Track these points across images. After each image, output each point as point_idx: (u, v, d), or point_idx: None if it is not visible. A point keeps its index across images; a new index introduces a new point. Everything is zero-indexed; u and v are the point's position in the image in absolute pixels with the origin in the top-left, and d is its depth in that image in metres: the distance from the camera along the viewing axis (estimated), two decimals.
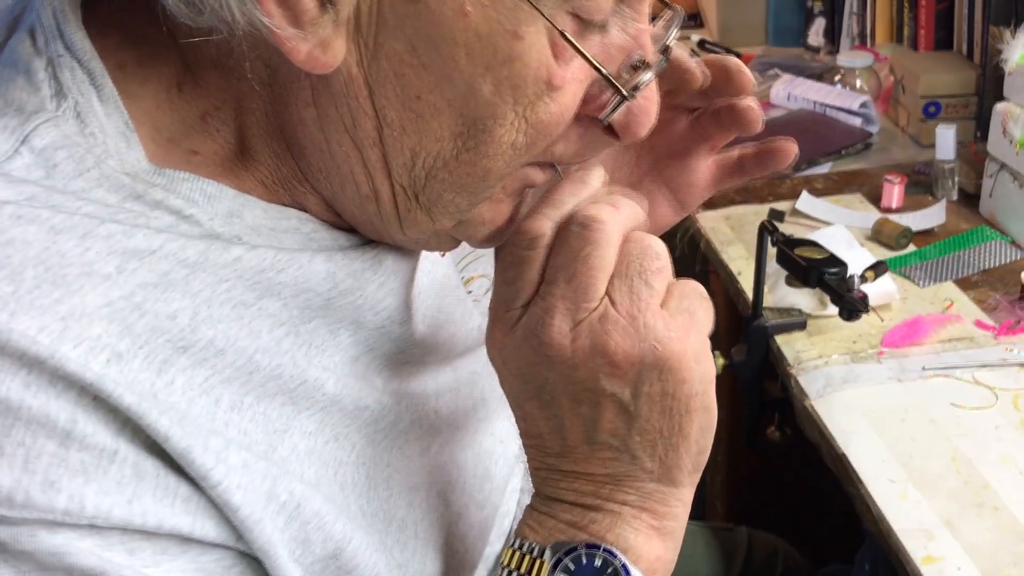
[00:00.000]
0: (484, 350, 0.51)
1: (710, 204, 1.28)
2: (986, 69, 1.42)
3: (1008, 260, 1.10)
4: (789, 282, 0.99)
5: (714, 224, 1.24)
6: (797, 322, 1.00)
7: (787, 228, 1.14)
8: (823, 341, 0.99)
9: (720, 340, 1.25)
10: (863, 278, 0.82)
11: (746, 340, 1.02)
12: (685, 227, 1.29)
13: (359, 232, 0.51)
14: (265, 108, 0.46)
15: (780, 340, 1.00)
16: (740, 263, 1.15)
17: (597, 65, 0.44)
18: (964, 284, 1.06)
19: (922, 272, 1.08)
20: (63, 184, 0.43)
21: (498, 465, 0.62)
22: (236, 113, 0.46)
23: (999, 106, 1.12)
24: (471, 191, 0.47)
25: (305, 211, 0.49)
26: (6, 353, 0.39)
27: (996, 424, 0.87)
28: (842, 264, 0.82)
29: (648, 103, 0.47)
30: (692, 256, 1.27)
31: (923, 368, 0.94)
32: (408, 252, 0.53)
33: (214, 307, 0.44)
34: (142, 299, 0.42)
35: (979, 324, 1.00)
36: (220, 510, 0.44)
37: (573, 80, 0.44)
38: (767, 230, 0.94)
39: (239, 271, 0.45)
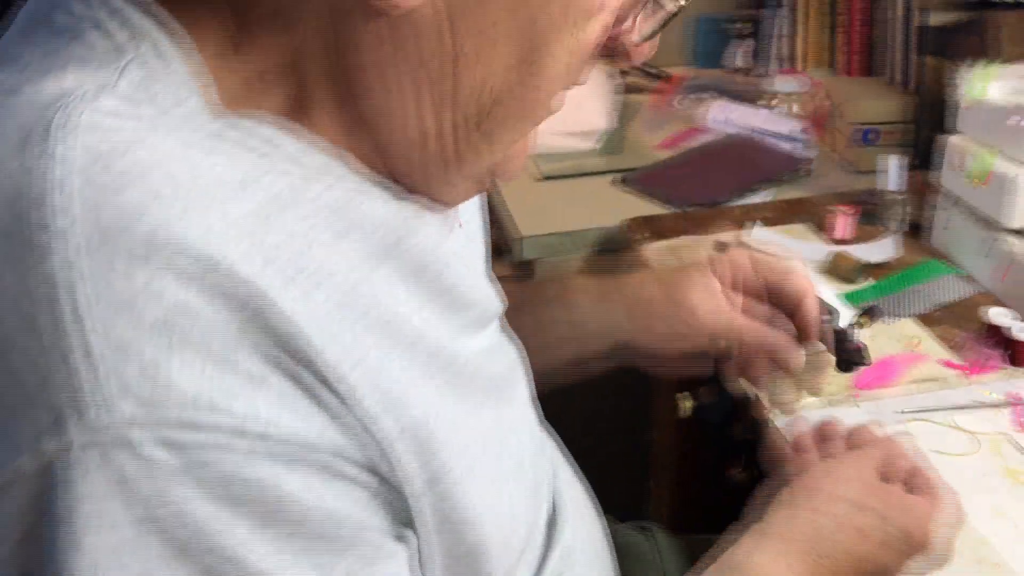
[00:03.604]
0: (501, 320, 0.61)
1: (657, 234, 1.25)
2: (921, 98, 1.43)
3: (964, 295, 1.09)
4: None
5: (661, 255, 1.20)
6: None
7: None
8: (797, 383, 0.95)
9: (673, 381, 1.22)
10: (858, 325, 0.79)
11: (715, 381, 0.98)
12: (630, 259, 1.25)
13: (403, 184, 0.52)
14: (327, 55, 0.46)
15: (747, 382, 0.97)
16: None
17: None
18: (926, 320, 1.05)
19: (883, 308, 1.06)
20: (168, 110, 0.43)
21: (532, 426, 0.65)
22: (295, 67, 0.47)
23: (953, 139, 1.11)
24: (529, 116, 0.50)
25: (358, 159, 0.50)
26: (184, 255, 0.40)
27: (982, 472, 0.85)
28: (832, 311, 0.79)
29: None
30: None
31: (900, 412, 0.92)
32: (441, 208, 0.55)
33: (317, 232, 0.45)
34: (265, 216, 0.43)
35: (947, 363, 0.98)
36: (366, 428, 0.45)
37: (609, 6, 0.48)
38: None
39: (318, 208, 0.46)
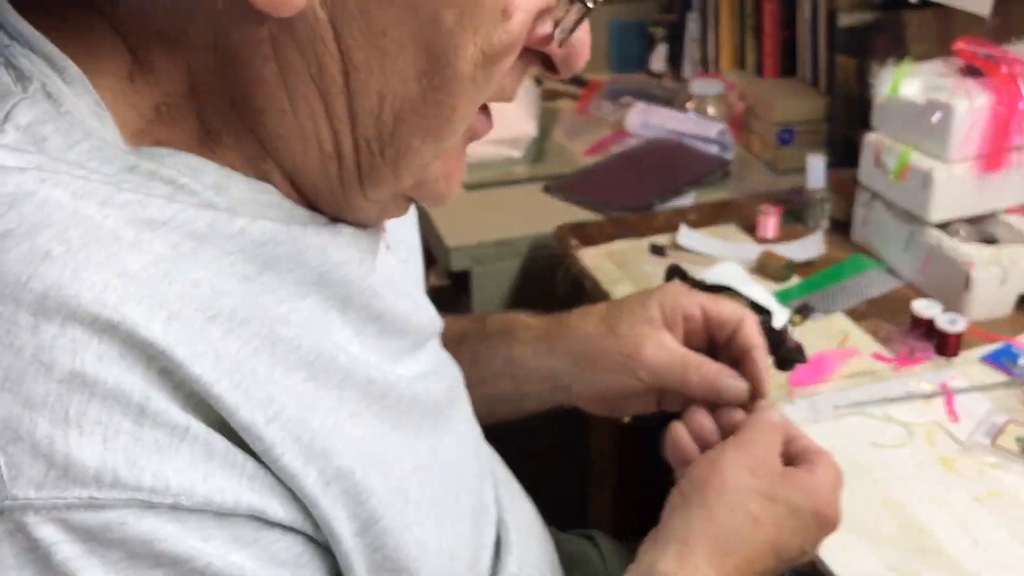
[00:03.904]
0: (440, 340, 0.60)
1: (589, 240, 1.25)
2: (835, 97, 1.46)
3: (889, 288, 1.12)
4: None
5: (597, 262, 1.20)
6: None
7: (672, 262, 1.11)
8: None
9: None
10: (792, 323, 0.80)
11: None
12: (565, 266, 1.25)
13: (320, 211, 0.50)
14: (219, 77, 0.44)
15: None
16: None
17: None
18: (854, 315, 1.07)
19: (814, 305, 1.08)
20: (58, 155, 0.41)
21: (473, 448, 0.63)
22: (190, 95, 0.44)
23: (870, 136, 1.14)
24: (437, 135, 0.47)
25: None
26: (77, 319, 0.37)
27: (917, 462, 0.86)
28: (768, 312, 0.80)
29: (585, 36, 0.50)
30: (577, 297, 1.23)
31: (834, 407, 0.93)
32: (373, 233, 0.53)
33: (224, 279, 0.43)
34: (164, 269, 0.41)
35: (877, 356, 1.00)
36: (285, 486, 0.44)
37: (523, 9, 0.45)
38: (676, 274, 0.91)
39: (241, 244, 0.44)
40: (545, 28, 0.48)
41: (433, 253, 1.39)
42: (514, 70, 0.49)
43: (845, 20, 1.43)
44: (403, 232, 0.66)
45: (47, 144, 0.41)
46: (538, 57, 0.50)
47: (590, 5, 0.48)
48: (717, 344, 0.71)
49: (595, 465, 1.33)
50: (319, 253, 0.48)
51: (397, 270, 0.59)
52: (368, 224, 0.53)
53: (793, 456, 0.66)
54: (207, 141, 0.45)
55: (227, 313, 0.42)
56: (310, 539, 0.46)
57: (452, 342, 0.68)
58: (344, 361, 0.48)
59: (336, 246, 0.49)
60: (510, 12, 0.45)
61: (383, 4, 0.42)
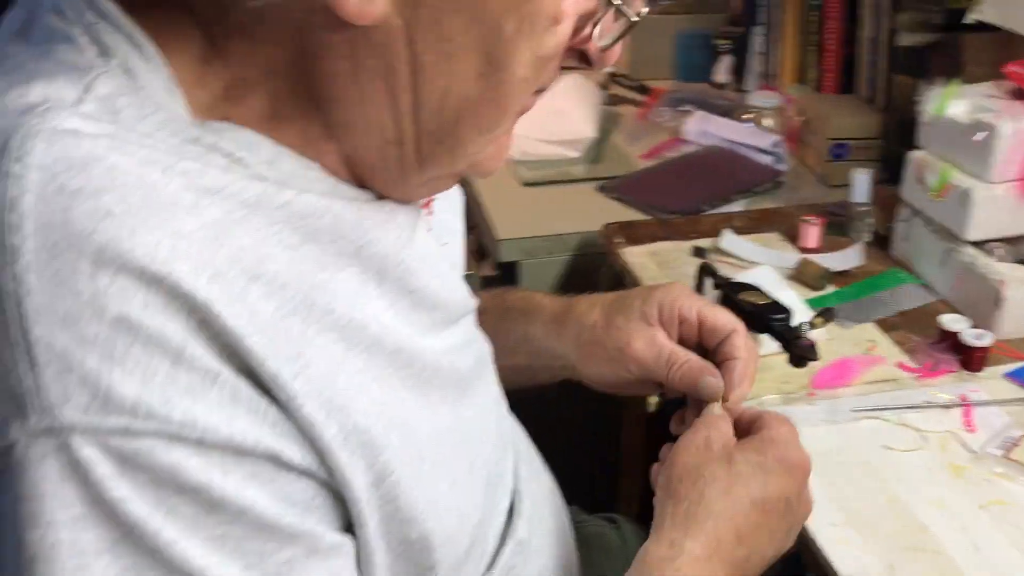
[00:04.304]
0: (473, 318, 0.65)
1: (634, 239, 1.29)
2: (891, 115, 1.48)
3: (922, 303, 1.14)
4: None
5: (639, 260, 1.25)
6: None
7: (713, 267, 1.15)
8: (756, 382, 0.99)
9: None
10: (811, 324, 0.84)
11: None
12: (608, 263, 1.29)
13: (370, 188, 0.55)
14: (294, 68, 0.49)
15: None
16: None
17: None
18: (884, 325, 1.10)
19: (843, 313, 1.11)
20: (130, 126, 0.46)
21: (497, 423, 0.68)
22: (263, 78, 0.49)
23: (915, 154, 1.16)
24: (491, 127, 0.53)
25: (323, 168, 0.52)
26: (128, 271, 0.42)
27: (927, 467, 0.89)
28: (787, 310, 0.84)
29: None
30: (610, 288, 1.27)
31: (852, 410, 0.96)
32: (411, 211, 0.58)
33: (270, 246, 0.48)
34: (216, 232, 0.46)
35: (901, 366, 1.03)
36: (304, 434, 0.48)
37: (570, 15, 0.51)
38: (707, 272, 0.95)
39: (288, 214, 0.49)
40: (586, 30, 0.53)
41: (486, 245, 1.45)
42: (555, 65, 0.54)
43: (905, 40, 1.45)
44: (447, 216, 0.71)
45: (121, 115, 0.46)
46: (574, 52, 0.55)
47: (634, 19, 0.54)
48: (707, 349, 0.75)
49: (625, 453, 1.37)
50: (356, 227, 0.52)
51: (435, 250, 0.63)
52: (416, 200, 0.59)
53: (747, 428, 0.69)
54: (272, 120, 0.50)
55: (268, 276, 0.47)
56: (324, 485, 0.49)
57: (478, 312, 0.73)
58: (375, 329, 0.52)
59: (374, 222, 0.54)
60: (559, 19, 0.50)
61: (452, 13, 0.47)
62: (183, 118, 0.48)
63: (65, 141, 0.43)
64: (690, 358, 0.73)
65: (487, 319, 0.77)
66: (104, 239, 0.42)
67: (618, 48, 0.55)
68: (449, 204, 0.71)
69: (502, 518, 0.67)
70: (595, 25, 0.53)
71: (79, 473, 0.43)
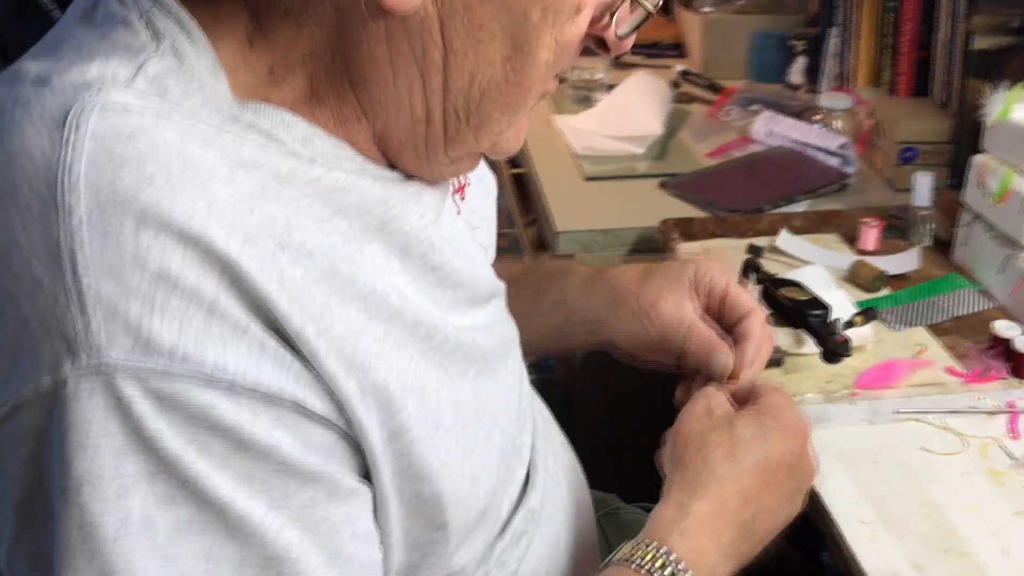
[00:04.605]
0: (503, 298, 0.68)
1: (690, 235, 1.30)
2: (962, 119, 1.45)
3: (978, 309, 1.13)
4: (768, 320, 1.00)
5: (694, 255, 1.25)
6: (774, 359, 1.02)
7: (766, 265, 1.16)
8: (798, 379, 1.00)
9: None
10: (851, 323, 0.84)
11: None
12: (663, 257, 1.30)
13: (398, 168, 0.59)
14: (332, 51, 0.53)
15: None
16: None
17: None
18: (936, 330, 1.09)
19: (895, 316, 1.10)
20: (175, 103, 0.50)
21: (518, 400, 0.70)
22: (304, 61, 0.53)
23: (977, 158, 1.15)
24: (514, 108, 0.57)
25: (354, 148, 0.56)
26: (168, 230, 0.46)
27: (964, 471, 0.88)
28: (825, 307, 0.84)
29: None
30: None
31: (894, 411, 0.96)
32: (438, 192, 0.61)
33: (300, 217, 0.51)
34: (250, 201, 0.49)
35: (949, 371, 1.02)
36: (325, 387, 0.51)
37: (591, 4, 0.55)
38: (751, 268, 0.96)
39: (318, 189, 0.53)
40: (604, 19, 0.58)
41: (546, 237, 1.47)
42: (574, 51, 0.58)
43: (980, 43, 1.42)
44: (480, 202, 0.74)
45: (168, 93, 0.50)
46: (592, 39, 0.59)
47: (651, 9, 0.58)
48: (726, 327, 0.78)
49: None
50: (382, 204, 0.56)
51: (462, 232, 0.66)
52: (443, 179, 0.62)
53: (744, 399, 0.72)
54: (309, 100, 0.55)
55: (296, 245, 0.51)
56: (343, 435, 0.53)
57: (515, 278, 0.77)
58: (395, 300, 0.56)
59: (398, 200, 0.57)
60: (581, 7, 0.55)
61: (483, 2, 0.52)
62: (226, 97, 0.52)
63: (116, 115, 0.48)
64: (708, 332, 0.77)
65: (526, 282, 0.81)
66: (146, 202, 0.47)
67: (633, 36, 0.59)
68: (483, 190, 0.74)
69: (517, 487, 0.70)
70: (613, 14, 0.57)
71: (122, 408, 0.47)
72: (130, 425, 0.47)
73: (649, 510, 1.05)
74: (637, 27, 0.58)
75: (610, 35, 0.58)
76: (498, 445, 0.65)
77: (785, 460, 0.67)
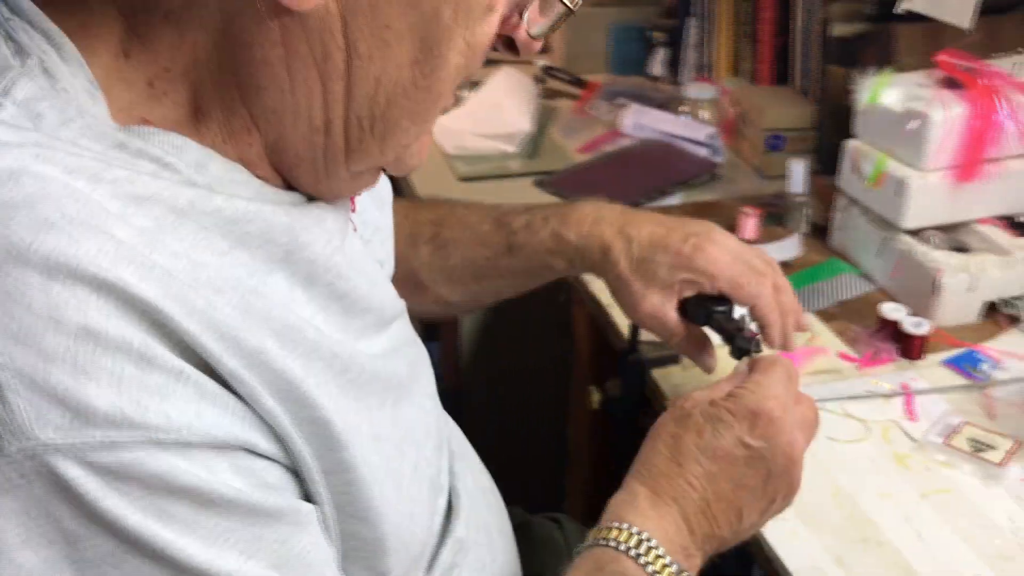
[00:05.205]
0: (406, 317, 0.65)
1: None
2: (825, 106, 1.48)
3: (861, 292, 1.14)
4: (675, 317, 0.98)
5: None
6: (672, 355, 1.00)
7: None
8: (699, 375, 0.98)
9: (589, 374, 1.25)
10: (751, 316, 0.83)
11: (622, 374, 1.01)
12: None
13: (294, 186, 0.54)
14: (219, 57, 0.47)
15: (656, 374, 1.00)
16: (608, 295, 1.14)
17: None
18: (824, 316, 1.10)
19: None
20: (52, 132, 0.44)
21: (434, 421, 0.67)
22: (187, 70, 0.47)
23: (850, 143, 1.16)
24: (423, 117, 0.52)
25: (246, 166, 0.51)
26: (77, 278, 0.41)
27: (870, 457, 0.89)
28: (728, 302, 0.82)
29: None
30: (555, 286, 1.25)
31: None
32: (340, 214, 0.57)
33: (200, 252, 0.46)
34: (149, 239, 0.44)
35: (843, 356, 1.03)
36: (267, 423, 0.48)
37: (503, 3, 0.51)
38: None
39: (217, 221, 0.47)
40: (514, 18, 0.54)
41: None
42: (480, 57, 0.53)
43: (837, 30, 1.45)
44: (372, 213, 0.69)
45: (43, 121, 0.44)
46: (501, 39, 0.54)
47: (571, 7, 0.53)
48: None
49: (571, 453, 1.35)
50: (286, 232, 0.51)
51: (362, 252, 0.62)
52: (341, 196, 0.57)
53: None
54: (193, 118, 0.49)
55: (204, 282, 0.46)
56: (289, 470, 0.50)
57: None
58: (311, 335, 0.51)
59: (303, 226, 0.52)
60: (493, 6, 0.50)
61: (390, 0, 0.47)
62: (106, 122, 0.46)
63: None
64: (691, 335, 0.84)
65: (522, 212, 0.91)
66: (48, 249, 0.40)
67: (543, 37, 0.55)
68: (374, 200, 0.69)
69: (440, 517, 0.66)
70: (522, 14, 0.53)
71: (68, 492, 0.41)
72: (81, 509, 0.41)
73: (556, 521, 1.04)
74: (554, 26, 0.54)
75: (521, 35, 0.54)
76: (425, 475, 0.62)
77: (736, 444, 0.66)
